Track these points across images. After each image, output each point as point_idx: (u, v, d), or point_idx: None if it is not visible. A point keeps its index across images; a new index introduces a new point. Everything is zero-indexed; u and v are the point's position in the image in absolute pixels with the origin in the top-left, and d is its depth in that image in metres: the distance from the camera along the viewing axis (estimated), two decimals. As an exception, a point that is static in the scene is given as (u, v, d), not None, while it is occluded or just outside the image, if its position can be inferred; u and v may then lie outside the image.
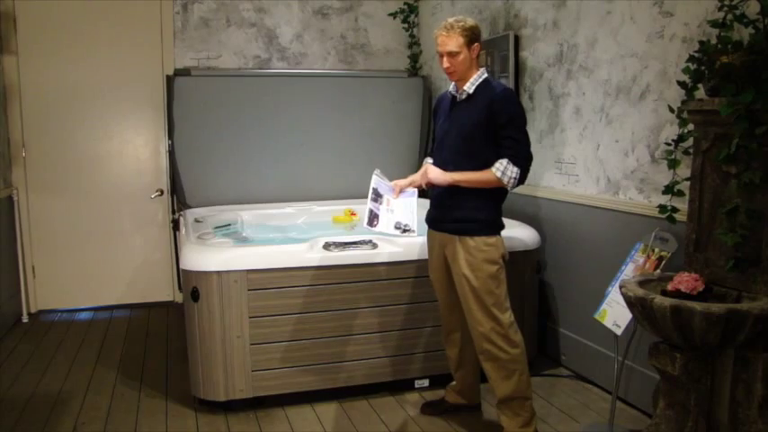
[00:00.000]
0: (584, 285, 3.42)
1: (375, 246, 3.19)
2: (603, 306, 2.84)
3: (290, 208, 4.64)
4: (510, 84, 3.88)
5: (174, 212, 4.78)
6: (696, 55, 2.30)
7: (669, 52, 2.82)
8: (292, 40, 5.05)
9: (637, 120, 3.03)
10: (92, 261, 4.84)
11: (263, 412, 3.12)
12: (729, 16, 2.22)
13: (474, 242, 2.66)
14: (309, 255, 3.11)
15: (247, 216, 4.36)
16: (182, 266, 3.15)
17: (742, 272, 2.18)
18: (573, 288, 3.55)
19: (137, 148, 4.88)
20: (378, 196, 2.84)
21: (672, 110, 2.48)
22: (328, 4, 5.10)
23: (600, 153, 3.30)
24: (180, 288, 4.43)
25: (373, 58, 5.26)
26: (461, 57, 2.62)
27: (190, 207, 4.53)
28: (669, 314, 2.06)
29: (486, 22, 4.23)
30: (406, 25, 5.18)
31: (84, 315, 4.76)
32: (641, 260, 2.76)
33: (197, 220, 3.97)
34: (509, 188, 2.64)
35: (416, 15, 5.22)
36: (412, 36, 5.23)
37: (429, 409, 3.12)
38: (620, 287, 2.31)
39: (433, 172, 2.71)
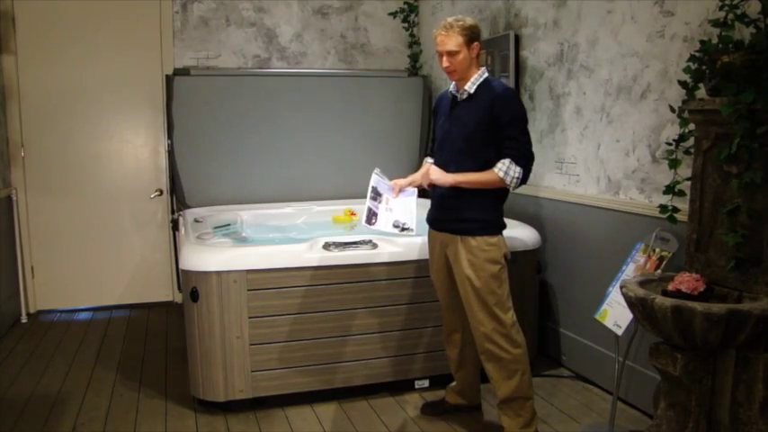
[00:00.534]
0: (584, 285, 3.41)
1: (375, 246, 3.19)
2: (604, 306, 2.84)
3: (290, 208, 4.64)
4: (510, 83, 3.87)
5: (173, 212, 4.78)
6: (697, 54, 2.30)
7: (670, 52, 2.81)
8: (292, 39, 5.05)
9: (637, 119, 3.02)
10: (91, 261, 4.83)
11: (263, 413, 3.11)
12: (730, 16, 2.22)
13: (476, 242, 2.65)
14: (309, 255, 3.10)
15: (247, 216, 4.36)
16: (181, 266, 3.14)
17: (743, 272, 2.17)
18: (573, 288, 3.54)
19: (136, 148, 4.88)
20: (377, 195, 2.83)
21: (673, 109, 2.47)
22: (328, 3, 5.10)
23: (600, 153, 3.29)
24: (179, 288, 4.43)
25: (373, 57, 5.25)
26: (461, 56, 2.62)
27: (189, 207, 4.53)
28: (670, 314, 2.05)
29: (487, 21, 4.22)
30: (406, 25, 5.18)
31: (83, 315, 4.76)
32: (642, 260, 2.75)
33: (196, 220, 3.97)
34: (511, 188, 2.64)
35: (416, 15, 5.22)
36: (412, 35, 5.23)
37: (429, 409, 3.11)
38: (621, 287, 2.30)
39: (435, 173, 2.70)
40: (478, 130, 2.62)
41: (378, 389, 3.27)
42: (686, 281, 2.18)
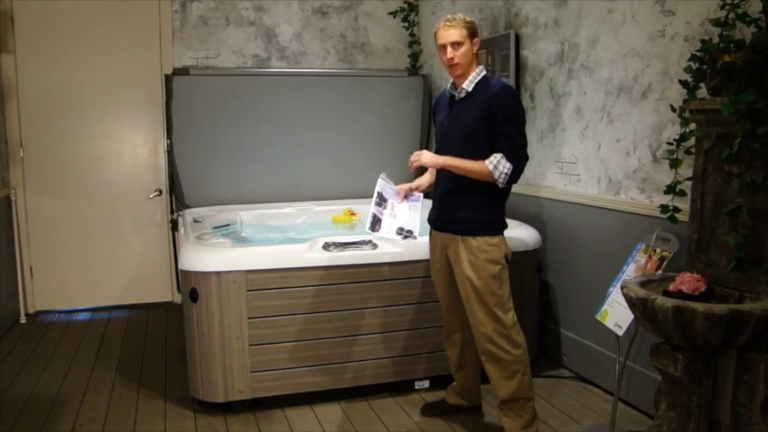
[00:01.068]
0: (585, 286, 3.41)
1: (375, 246, 3.18)
2: (605, 307, 2.83)
3: (290, 208, 4.63)
4: (511, 83, 3.86)
5: (172, 212, 4.77)
6: (698, 54, 2.29)
7: (671, 51, 2.80)
8: (292, 39, 5.04)
9: (638, 119, 3.02)
10: (90, 261, 4.82)
11: (263, 413, 3.11)
12: (731, 15, 2.22)
13: (476, 242, 2.64)
14: (309, 255, 3.09)
15: (246, 216, 4.35)
16: (180, 267, 3.13)
17: (744, 272, 2.16)
18: (574, 288, 3.54)
19: (135, 148, 4.87)
20: (382, 200, 2.83)
21: (673, 109, 2.47)
22: (328, 2, 5.09)
23: (601, 153, 3.28)
24: (179, 288, 4.42)
25: (373, 57, 5.24)
26: (464, 48, 2.60)
27: (189, 207, 4.52)
28: (671, 315, 2.05)
29: (487, 20, 4.22)
30: (406, 24, 5.17)
31: (82, 316, 4.75)
32: (643, 260, 2.75)
33: (196, 221, 3.96)
34: (500, 183, 2.57)
35: (416, 14, 5.21)
36: (412, 35, 5.22)
37: (429, 410, 3.10)
38: (622, 288, 2.30)
39: (425, 155, 2.71)
40: (477, 128, 2.61)
41: (378, 389, 3.27)
42: (687, 281, 2.18)
